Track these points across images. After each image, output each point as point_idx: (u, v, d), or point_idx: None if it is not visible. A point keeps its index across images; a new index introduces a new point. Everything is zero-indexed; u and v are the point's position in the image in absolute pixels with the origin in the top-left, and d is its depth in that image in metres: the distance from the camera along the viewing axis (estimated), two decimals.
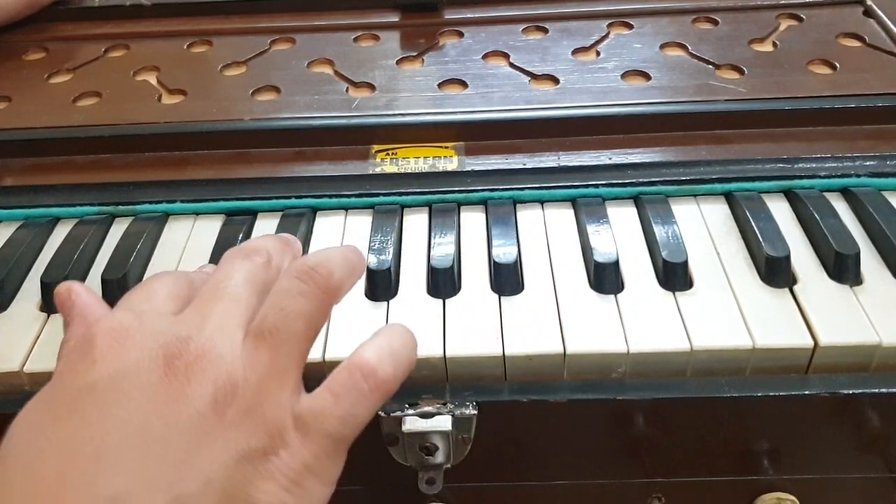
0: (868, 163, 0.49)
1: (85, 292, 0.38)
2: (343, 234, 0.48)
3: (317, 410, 0.33)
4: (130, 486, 0.30)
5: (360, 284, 0.44)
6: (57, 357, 0.36)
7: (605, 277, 0.43)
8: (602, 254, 0.44)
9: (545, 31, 0.63)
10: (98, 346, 0.33)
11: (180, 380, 0.32)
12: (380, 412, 0.39)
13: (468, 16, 0.65)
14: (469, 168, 0.51)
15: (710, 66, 0.57)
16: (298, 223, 0.48)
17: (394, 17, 0.66)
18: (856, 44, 0.59)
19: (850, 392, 0.39)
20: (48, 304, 0.44)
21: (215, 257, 0.46)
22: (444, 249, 0.45)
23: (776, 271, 0.43)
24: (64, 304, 0.38)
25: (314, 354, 0.40)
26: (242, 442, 0.32)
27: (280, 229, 0.47)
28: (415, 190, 0.50)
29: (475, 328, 0.41)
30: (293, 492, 0.32)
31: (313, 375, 0.40)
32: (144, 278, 0.46)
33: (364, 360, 0.34)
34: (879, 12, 0.61)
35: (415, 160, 0.52)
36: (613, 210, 0.48)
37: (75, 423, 0.31)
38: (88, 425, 0.31)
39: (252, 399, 0.32)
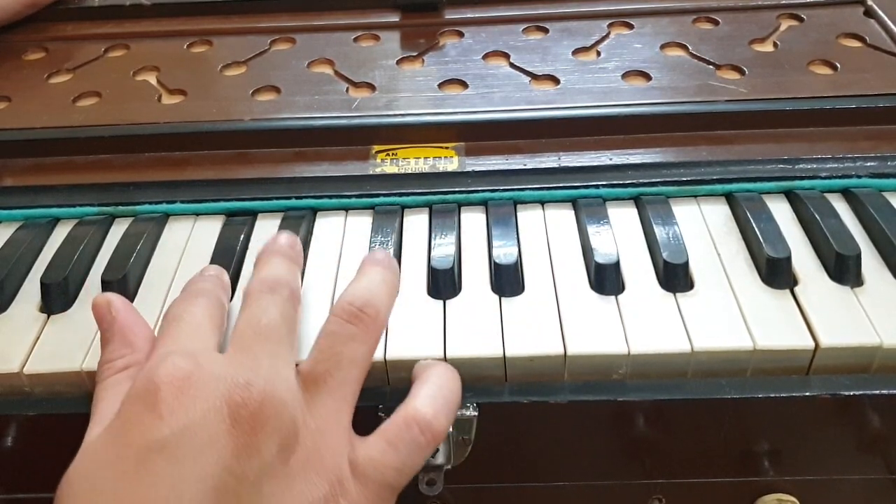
0: (869, 163, 0.49)
1: (125, 309, 0.38)
2: (343, 234, 0.48)
3: (376, 460, 0.34)
4: None
5: None
6: (99, 381, 0.36)
7: (606, 278, 0.43)
8: (603, 254, 0.44)
9: (545, 31, 0.63)
10: (163, 398, 0.32)
11: (246, 430, 0.32)
12: (380, 413, 0.39)
13: (468, 16, 0.65)
14: (469, 168, 0.51)
15: (711, 67, 0.57)
16: (299, 224, 0.48)
17: (394, 17, 0.66)
18: (856, 44, 0.59)
19: (851, 393, 0.39)
20: (48, 305, 0.44)
21: (216, 258, 0.46)
22: (444, 250, 0.45)
23: (777, 272, 0.43)
24: (104, 318, 0.38)
25: None
26: (307, 492, 0.32)
27: (280, 230, 0.47)
28: (415, 190, 0.49)
29: (475, 329, 0.41)
30: None
31: None
32: (145, 279, 0.46)
33: (421, 414, 0.35)
34: (880, 12, 0.61)
35: (415, 160, 0.52)
36: (614, 211, 0.48)
37: (148, 482, 0.30)
38: (162, 484, 0.30)
39: (312, 444, 0.33)
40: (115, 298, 0.39)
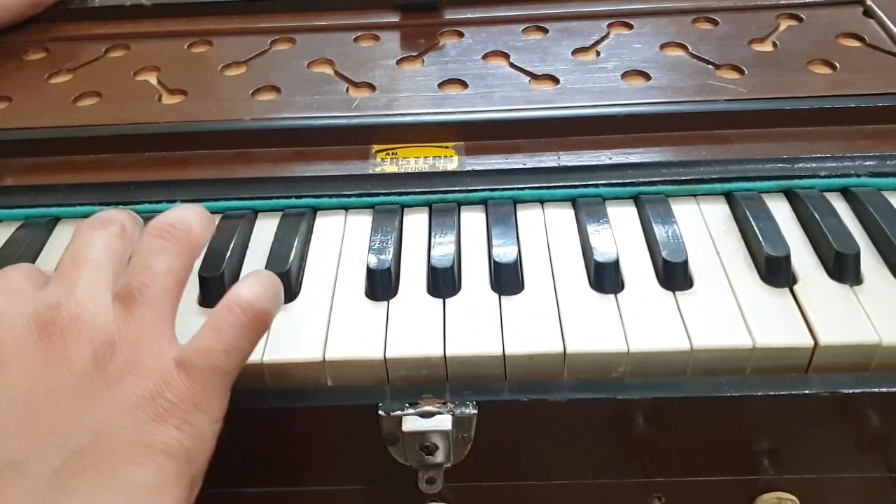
0: (868, 163, 0.49)
1: None
2: (343, 233, 0.48)
3: (202, 348, 0.35)
4: (26, 449, 0.31)
5: (361, 284, 0.44)
6: None
7: (606, 277, 0.43)
8: (602, 253, 0.44)
9: (545, 31, 0.63)
10: None
11: (57, 344, 0.33)
12: (380, 412, 0.39)
13: (468, 16, 0.65)
14: (469, 168, 0.51)
15: (710, 66, 0.57)
16: (299, 223, 0.48)
17: (394, 17, 0.66)
18: (856, 44, 0.59)
19: (851, 391, 0.39)
20: None
21: (215, 257, 0.46)
22: (444, 249, 0.45)
23: (776, 271, 0.43)
24: None
25: (313, 354, 0.40)
26: (129, 391, 0.33)
27: (280, 229, 0.47)
28: (415, 190, 0.49)
29: (475, 328, 0.41)
30: (184, 429, 0.34)
31: (312, 376, 0.40)
32: None
33: (241, 296, 0.37)
34: (879, 12, 0.61)
35: (415, 160, 0.52)
36: (613, 210, 0.48)
37: None
38: None
39: (131, 353, 0.34)
40: None
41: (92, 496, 0.31)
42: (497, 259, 0.44)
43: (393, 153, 0.52)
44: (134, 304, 0.35)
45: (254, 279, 0.38)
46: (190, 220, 0.39)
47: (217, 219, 0.41)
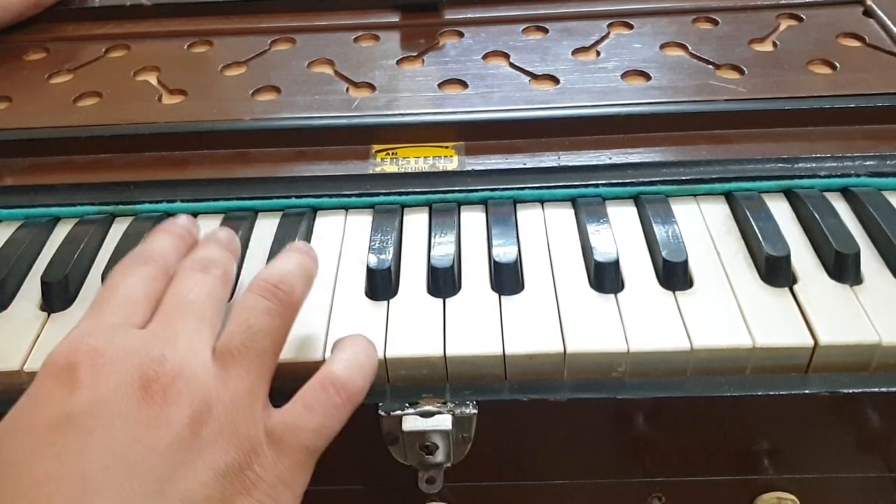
0: (868, 162, 0.49)
1: None
2: (343, 233, 0.48)
3: (291, 424, 0.35)
4: None
5: (361, 284, 0.44)
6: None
7: (606, 277, 0.43)
8: (602, 253, 0.44)
9: (545, 31, 0.63)
10: (77, 375, 0.32)
11: (158, 403, 0.32)
12: (380, 412, 0.39)
13: (468, 16, 0.65)
14: (469, 168, 0.51)
15: (710, 66, 0.57)
16: (299, 223, 0.48)
17: (394, 17, 0.66)
18: (856, 44, 0.59)
19: (850, 391, 0.39)
20: (48, 304, 0.44)
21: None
22: (444, 249, 0.45)
23: (776, 271, 0.43)
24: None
25: (314, 354, 0.40)
26: (219, 459, 0.32)
27: (280, 229, 0.47)
28: (415, 190, 0.50)
29: (475, 327, 0.41)
30: None
31: (312, 375, 0.40)
32: None
33: (336, 375, 0.36)
34: (879, 12, 0.61)
35: (415, 160, 0.52)
36: (613, 210, 0.48)
37: (54, 452, 0.31)
38: (70, 456, 0.31)
39: (225, 417, 0.33)
40: None
41: None
42: (497, 259, 0.44)
43: (393, 153, 0.52)
44: (232, 363, 0.35)
45: (350, 352, 0.37)
46: (294, 279, 0.38)
47: (315, 264, 0.41)
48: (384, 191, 0.50)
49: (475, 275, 0.44)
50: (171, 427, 0.32)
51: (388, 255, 0.45)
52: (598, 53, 0.60)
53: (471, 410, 0.39)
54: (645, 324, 0.41)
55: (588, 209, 0.48)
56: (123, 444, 0.31)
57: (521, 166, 0.51)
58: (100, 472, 0.30)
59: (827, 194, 0.48)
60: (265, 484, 0.33)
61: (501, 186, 0.49)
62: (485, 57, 0.60)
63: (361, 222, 0.49)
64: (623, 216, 0.48)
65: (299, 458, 0.35)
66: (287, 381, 0.38)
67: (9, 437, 0.32)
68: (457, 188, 0.49)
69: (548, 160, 0.51)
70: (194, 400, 0.33)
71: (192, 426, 0.32)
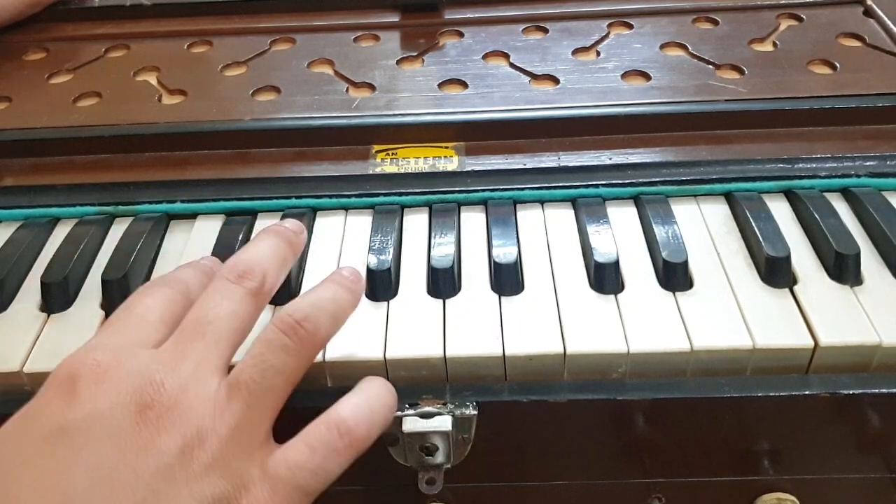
0: (868, 163, 0.49)
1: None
2: (343, 234, 0.48)
3: (290, 462, 0.34)
4: None
5: None
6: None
7: (606, 277, 0.43)
8: (602, 254, 0.44)
9: (545, 31, 0.63)
10: (77, 388, 0.33)
11: (150, 430, 0.32)
12: None
13: (468, 16, 0.65)
14: (469, 168, 0.51)
15: (710, 66, 0.57)
16: None
17: (394, 17, 0.66)
18: (856, 44, 0.59)
19: (851, 392, 0.39)
20: (48, 304, 0.44)
21: (216, 257, 0.46)
22: (444, 249, 0.45)
23: (776, 271, 0.43)
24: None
25: None
26: (206, 491, 0.32)
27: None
28: (415, 190, 0.49)
29: (475, 328, 0.41)
30: None
31: (313, 377, 0.40)
32: (145, 279, 0.46)
33: (342, 418, 0.35)
34: (879, 12, 0.61)
35: (415, 160, 0.52)
36: (613, 210, 0.48)
37: (45, 465, 0.31)
38: (57, 468, 0.31)
39: (219, 451, 0.33)
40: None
41: None
42: (497, 259, 0.44)
43: (393, 153, 0.52)
44: (237, 397, 0.34)
45: (364, 397, 0.36)
46: (321, 316, 0.37)
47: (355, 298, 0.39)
48: (384, 191, 0.50)
49: (475, 275, 0.44)
50: (160, 455, 0.32)
51: (388, 256, 0.45)
52: (598, 53, 0.60)
53: (471, 411, 0.39)
54: (645, 324, 0.41)
55: (588, 209, 0.48)
56: (110, 466, 0.31)
57: (521, 166, 0.51)
58: (84, 490, 0.30)
59: (827, 194, 0.48)
60: None
61: (501, 187, 0.49)
62: (485, 57, 0.60)
63: (361, 223, 0.49)
64: (623, 217, 0.48)
65: (293, 498, 0.34)
66: None
67: (4, 442, 0.32)
68: (457, 188, 0.49)
69: (548, 160, 0.51)
70: (187, 431, 0.32)
71: (181, 456, 0.32)
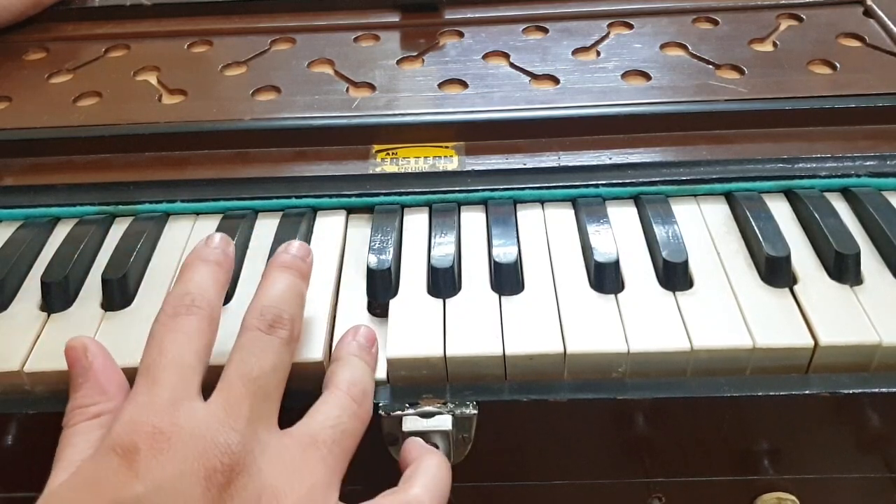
0: (868, 163, 0.49)
1: (101, 354, 0.37)
2: (343, 233, 0.48)
3: None
4: None
5: (361, 284, 0.44)
6: (67, 426, 0.35)
7: (606, 277, 0.43)
8: (602, 253, 0.44)
9: (545, 31, 0.63)
10: (140, 456, 0.31)
11: (223, 497, 0.31)
12: (380, 412, 0.39)
13: (468, 16, 0.65)
14: (469, 168, 0.51)
15: (711, 66, 0.57)
16: (299, 223, 0.48)
17: (394, 17, 0.66)
18: (856, 44, 0.59)
19: (851, 392, 0.39)
20: (48, 304, 0.44)
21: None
22: (444, 249, 0.45)
23: (776, 271, 0.43)
24: (78, 362, 0.37)
25: (316, 355, 0.40)
26: None
27: (280, 229, 0.47)
28: (415, 190, 0.49)
29: (475, 328, 0.41)
30: None
31: (313, 376, 0.40)
32: (145, 278, 0.46)
33: (419, 500, 0.35)
34: (879, 12, 0.61)
35: (415, 160, 0.52)
36: (613, 210, 0.48)
37: None
38: None
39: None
40: (90, 343, 0.37)
41: None
42: (497, 259, 0.44)
43: (393, 153, 0.52)
44: (313, 455, 0.34)
45: (431, 479, 0.36)
46: (367, 384, 0.38)
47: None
48: (384, 191, 0.50)
49: (475, 275, 0.44)
50: None
51: (388, 256, 0.45)
52: (598, 53, 0.60)
53: (471, 411, 0.39)
54: (645, 324, 0.41)
55: (588, 209, 0.48)
56: None
57: (521, 166, 0.51)
58: None
59: (827, 194, 0.48)
60: None
61: (501, 186, 0.49)
62: (485, 57, 0.60)
63: (361, 222, 0.49)
64: (623, 216, 0.48)
65: None
66: (288, 382, 0.38)
67: None
68: (457, 188, 0.49)
69: (548, 160, 0.51)
70: (262, 494, 0.32)
71: None
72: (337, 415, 0.36)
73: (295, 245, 0.42)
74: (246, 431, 0.33)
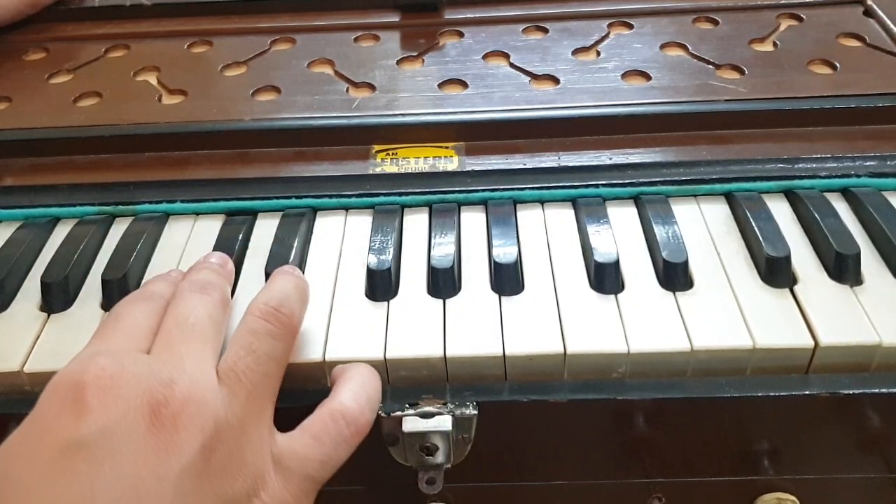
0: (868, 163, 0.49)
1: None
2: (343, 234, 0.48)
3: (299, 454, 0.35)
4: None
5: (361, 284, 0.44)
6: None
7: (606, 277, 0.43)
8: (602, 254, 0.44)
9: (545, 31, 0.63)
10: (85, 398, 0.32)
11: (168, 429, 0.32)
12: (380, 412, 0.39)
13: (468, 16, 0.65)
14: (469, 168, 0.51)
15: (711, 66, 0.57)
16: (298, 223, 0.48)
17: (394, 17, 0.66)
18: (856, 44, 0.59)
19: (851, 392, 0.39)
20: (48, 304, 0.44)
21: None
22: (444, 249, 0.45)
23: (776, 271, 0.43)
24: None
25: (314, 355, 0.40)
26: (228, 487, 0.32)
27: (280, 229, 0.47)
28: (415, 190, 0.49)
29: (475, 328, 0.41)
30: None
31: (313, 376, 0.40)
32: (145, 279, 0.46)
33: (346, 407, 0.36)
34: (879, 12, 0.61)
35: (415, 160, 0.52)
36: (613, 210, 0.48)
37: (66, 482, 0.30)
38: (79, 484, 0.30)
39: (234, 442, 0.33)
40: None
41: None
42: (497, 259, 0.44)
43: (393, 153, 0.52)
44: (240, 387, 0.34)
45: (358, 383, 0.37)
46: (293, 301, 0.38)
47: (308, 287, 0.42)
48: (384, 191, 0.50)
49: (475, 275, 0.44)
50: (181, 454, 0.31)
51: (388, 256, 0.45)
52: (599, 53, 0.60)
53: (471, 411, 0.39)
54: (645, 324, 0.41)
55: (588, 209, 0.48)
56: (133, 474, 0.30)
57: (521, 166, 0.51)
58: (110, 501, 0.30)
59: (827, 194, 0.48)
60: None
61: (501, 187, 0.49)
62: (485, 57, 0.60)
63: (361, 222, 0.49)
64: (623, 216, 0.48)
65: (305, 487, 0.34)
66: (285, 382, 0.38)
67: (15, 461, 0.31)
68: (457, 188, 0.49)
69: (548, 160, 0.51)
70: (205, 425, 0.32)
71: (203, 452, 0.32)
72: (248, 341, 0.36)
73: (215, 255, 0.44)
74: (189, 368, 0.34)
